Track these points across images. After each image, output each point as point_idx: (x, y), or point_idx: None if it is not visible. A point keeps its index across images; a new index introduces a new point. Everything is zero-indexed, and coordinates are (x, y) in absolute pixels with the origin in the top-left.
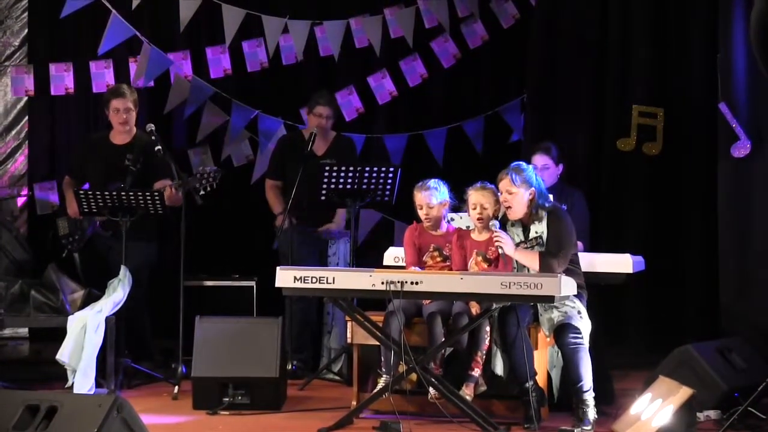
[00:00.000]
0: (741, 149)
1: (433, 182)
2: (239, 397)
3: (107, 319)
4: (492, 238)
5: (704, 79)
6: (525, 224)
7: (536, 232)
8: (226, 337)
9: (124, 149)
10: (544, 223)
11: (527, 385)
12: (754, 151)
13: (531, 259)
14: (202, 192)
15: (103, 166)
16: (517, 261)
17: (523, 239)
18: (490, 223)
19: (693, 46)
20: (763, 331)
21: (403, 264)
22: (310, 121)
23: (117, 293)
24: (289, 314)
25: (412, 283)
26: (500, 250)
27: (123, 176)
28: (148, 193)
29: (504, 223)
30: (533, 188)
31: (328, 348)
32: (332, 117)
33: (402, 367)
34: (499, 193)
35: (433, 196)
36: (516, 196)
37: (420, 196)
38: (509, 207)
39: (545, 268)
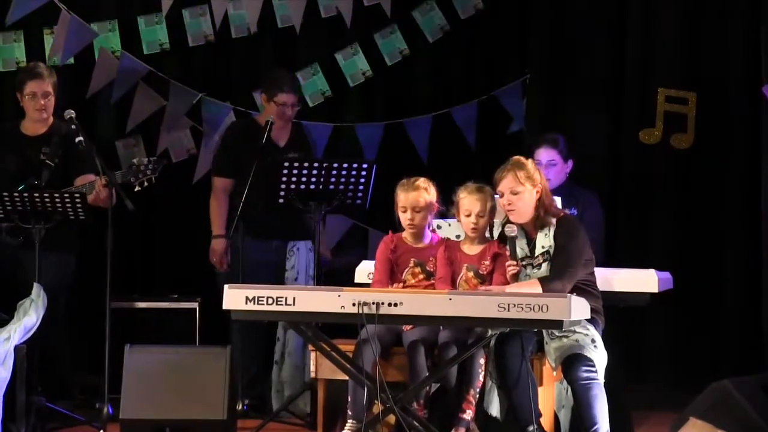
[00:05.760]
0: None
1: (422, 181)
2: None
3: (17, 349)
4: (486, 249)
5: (745, 56)
6: (530, 235)
7: (543, 247)
8: (162, 370)
9: (39, 141)
10: (552, 233)
11: (530, 429)
12: None
13: (531, 290)
14: (138, 188)
15: (14, 162)
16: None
17: (528, 254)
18: (507, 230)
19: (731, 16)
20: None
21: None
22: (267, 109)
23: (29, 317)
24: (239, 342)
25: (390, 304)
26: (508, 276)
27: (38, 174)
28: (66, 195)
29: (504, 236)
30: (539, 186)
31: (280, 382)
32: (297, 105)
33: (377, 407)
34: (497, 196)
35: (422, 197)
36: (522, 195)
37: (406, 197)
38: (512, 210)
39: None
